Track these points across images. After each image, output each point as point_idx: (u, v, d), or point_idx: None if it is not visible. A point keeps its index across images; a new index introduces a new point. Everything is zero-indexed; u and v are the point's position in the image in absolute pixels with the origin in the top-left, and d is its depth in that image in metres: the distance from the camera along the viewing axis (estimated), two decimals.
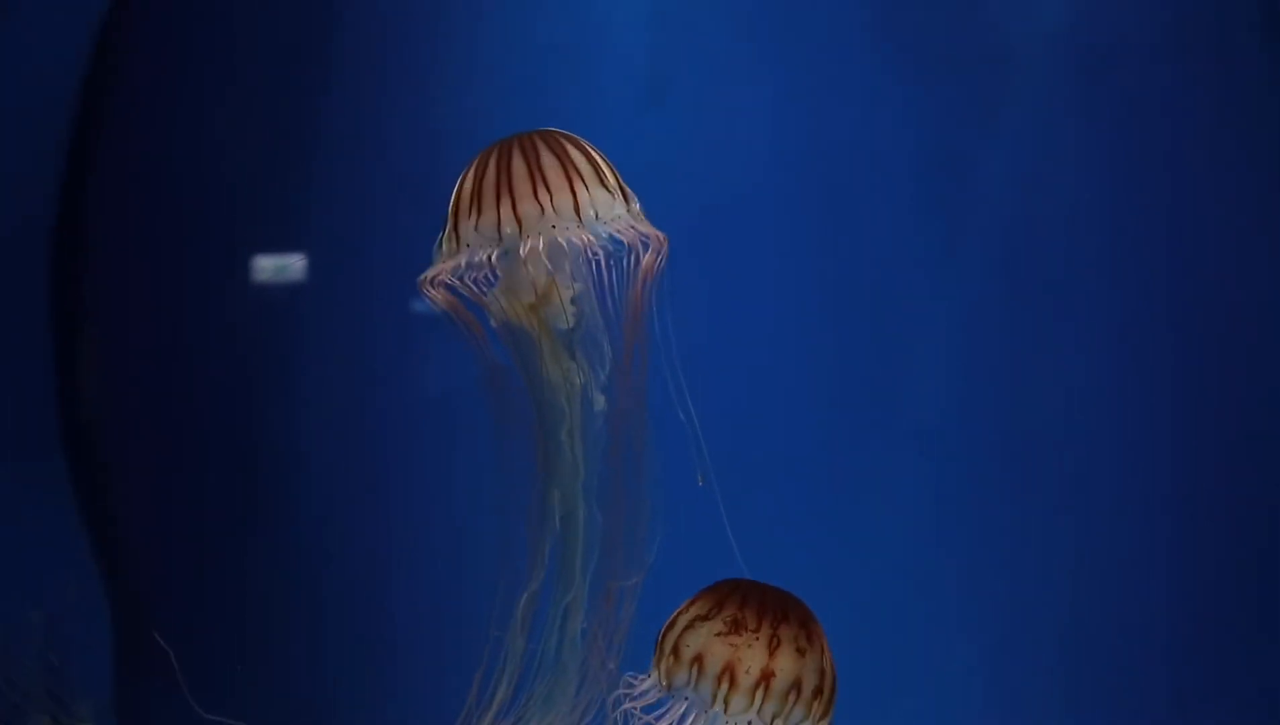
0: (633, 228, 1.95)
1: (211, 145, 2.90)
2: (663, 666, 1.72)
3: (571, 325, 2.01)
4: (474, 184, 1.93)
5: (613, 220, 1.93)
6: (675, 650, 1.70)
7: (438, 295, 2.01)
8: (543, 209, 1.88)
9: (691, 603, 1.75)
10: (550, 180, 1.90)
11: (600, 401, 2.03)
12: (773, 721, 1.68)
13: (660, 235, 1.98)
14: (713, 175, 2.76)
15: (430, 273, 2.00)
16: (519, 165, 1.90)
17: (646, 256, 1.96)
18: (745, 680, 1.65)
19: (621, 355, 2.00)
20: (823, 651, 1.73)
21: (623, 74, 2.64)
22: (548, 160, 1.91)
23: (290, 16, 2.87)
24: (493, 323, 2.00)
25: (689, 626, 1.71)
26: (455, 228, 1.95)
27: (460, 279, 1.96)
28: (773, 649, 1.67)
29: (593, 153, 1.96)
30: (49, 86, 2.90)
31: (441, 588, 2.14)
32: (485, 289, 1.98)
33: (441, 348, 2.70)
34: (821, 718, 1.73)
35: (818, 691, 1.70)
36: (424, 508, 2.41)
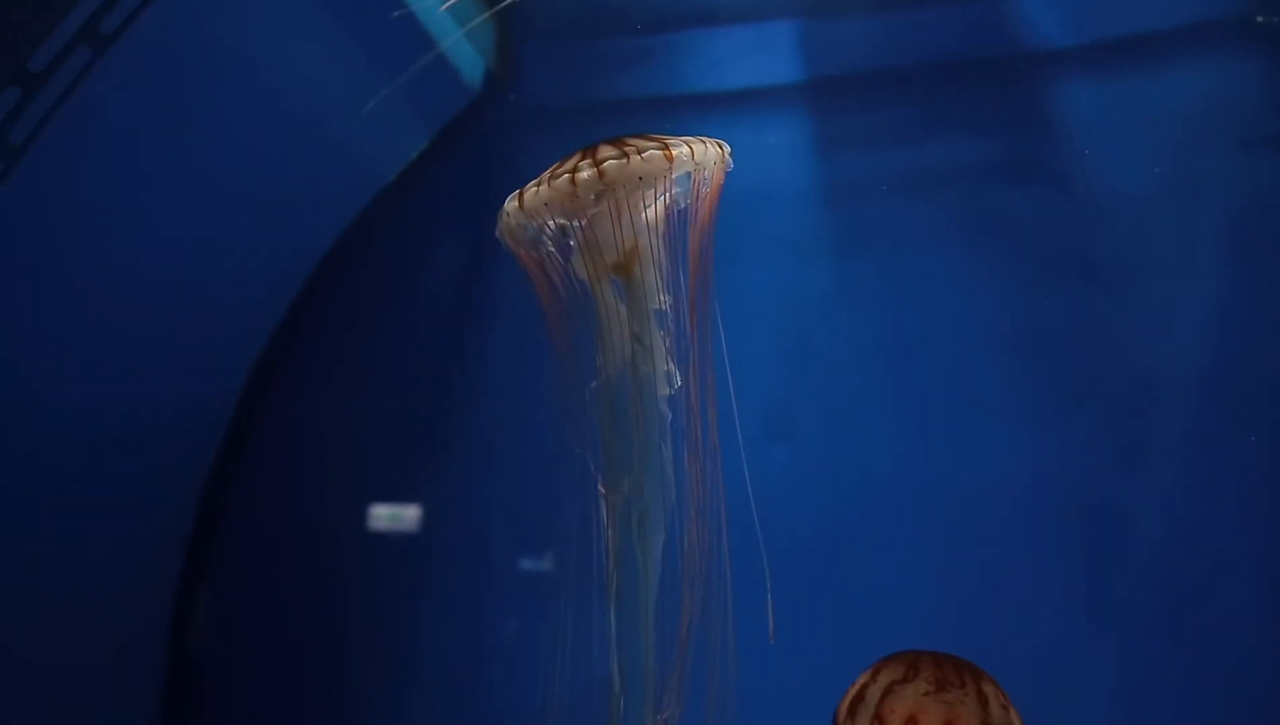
0: (703, 169, 1.93)
1: (347, 418, 3.03)
2: None
3: (650, 291, 1.98)
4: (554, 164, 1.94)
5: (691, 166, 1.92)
6: (880, 718, 1.60)
7: (516, 245, 1.97)
8: (627, 158, 1.85)
9: (875, 674, 1.67)
10: (634, 142, 1.91)
11: (671, 378, 2.00)
12: None
13: (725, 154, 1.95)
14: (839, 510, 2.70)
15: (509, 220, 1.95)
16: (606, 147, 1.91)
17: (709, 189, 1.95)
18: None
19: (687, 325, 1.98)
20: (1016, 710, 1.67)
21: (751, 407, 2.66)
22: (633, 139, 1.92)
23: (430, 312, 3.06)
24: (566, 288, 1.97)
25: (887, 692, 1.62)
26: (537, 184, 1.92)
27: (539, 237, 1.94)
28: (984, 703, 1.60)
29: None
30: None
31: None
32: (565, 253, 1.95)
33: (544, 608, 2.67)
34: None
35: None
36: None
